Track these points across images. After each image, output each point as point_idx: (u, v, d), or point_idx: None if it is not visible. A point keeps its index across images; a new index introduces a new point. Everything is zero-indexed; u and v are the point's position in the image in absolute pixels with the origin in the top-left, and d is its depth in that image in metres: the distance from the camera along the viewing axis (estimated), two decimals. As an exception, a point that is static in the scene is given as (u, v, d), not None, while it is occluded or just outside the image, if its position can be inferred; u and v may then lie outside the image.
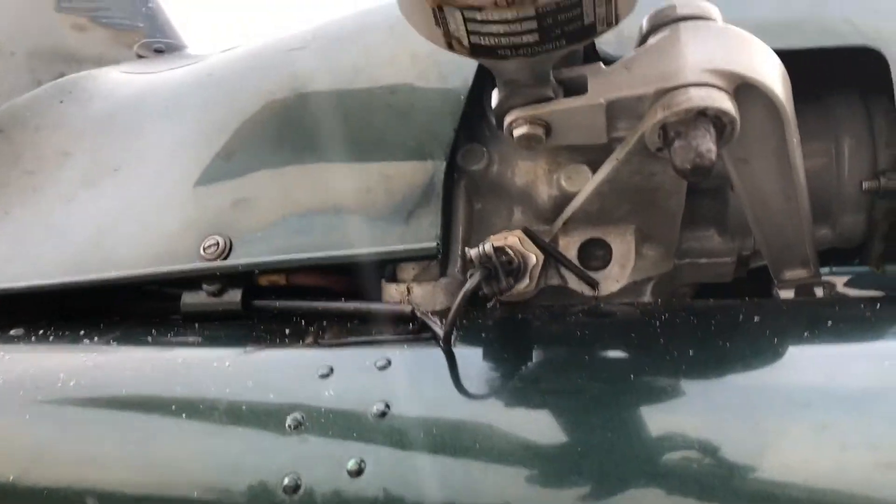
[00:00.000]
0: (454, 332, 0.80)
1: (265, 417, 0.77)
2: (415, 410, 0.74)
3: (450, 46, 0.73)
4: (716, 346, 0.74)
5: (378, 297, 0.95)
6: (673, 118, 0.74)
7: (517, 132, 0.80)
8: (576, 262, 0.93)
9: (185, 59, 1.29)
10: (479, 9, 0.67)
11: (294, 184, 0.97)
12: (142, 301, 1.06)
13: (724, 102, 0.73)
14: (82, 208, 1.08)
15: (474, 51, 0.72)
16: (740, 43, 0.77)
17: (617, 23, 0.71)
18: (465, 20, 0.69)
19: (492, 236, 0.91)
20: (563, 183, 0.94)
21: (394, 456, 0.71)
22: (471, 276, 0.81)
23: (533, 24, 0.68)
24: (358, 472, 0.71)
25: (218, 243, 0.95)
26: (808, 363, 0.71)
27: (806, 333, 0.74)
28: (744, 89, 0.76)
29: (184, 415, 0.79)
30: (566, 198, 0.94)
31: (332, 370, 0.80)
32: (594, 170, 0.93)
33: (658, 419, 0.68)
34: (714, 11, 0.80)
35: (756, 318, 0.77)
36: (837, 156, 0.98)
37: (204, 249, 0.95)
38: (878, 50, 0.86)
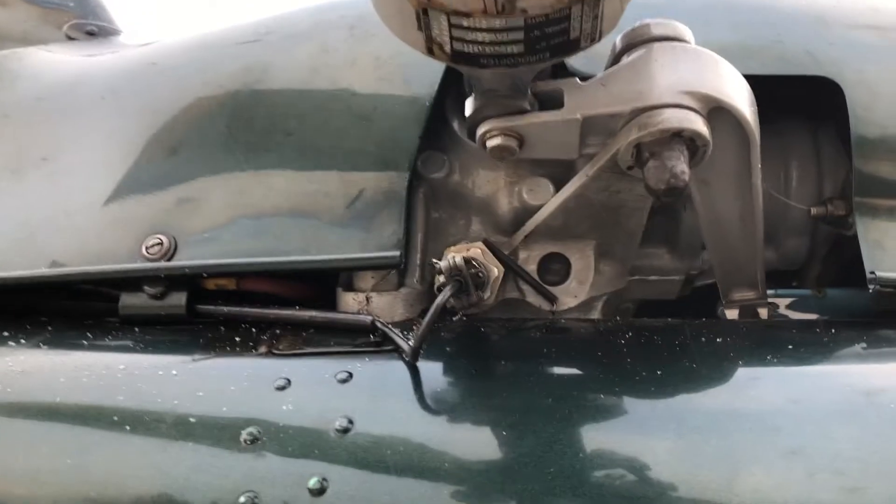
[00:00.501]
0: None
1: (218, 431, 0.73)
2: (380, 427, 0.71)
3: (429, 51, 0.70)
4: (682, 367, 0.74)
5: (332, 306, 0.92)
6: (648, 138, 0.75)
7: (490, 143, 0.78)
8: (535, 275, 0.93)
9: (122, 46, 1.21)
10: (468, 15, 0.65)
11: (245, 184, 0.92)
12: (71, 301, 0.98)
13: (699, 125, 0.74)
14: (5, 199, 1.00)
15: (455, 57, 0.70)
16: (714, 66, 0.78)
17: (600, 39, 0.71)
18: (451, 26, 0.67)
19: (452, 247, 0.89)
20: (525, 196, 0.93)
21: (358, 474, 0.69)
22: (439, 289, 0.79)
23: (519, 35, 0.67)
24: (320, 491, 0.68)
25: (162, 242, 0.89)
26: (773, 387, 0.72)
27: (768, 356, 0.75)
28: (715, 112, 0.77)
29: (127, 427, 0.74)
30: (527, 210, 0.93)
31: (289, 382, 0.76)
32: (555, 184, 0.93)
33: (629, 441, 0.68)
34: (687, 33, 0.81)
35: (719, 340, 0.78)
36: (786, 180, 1.01)
37: (146, 249, 0.90)
38: (835, 80, 0.89)
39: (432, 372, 0.76)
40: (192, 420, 0.74)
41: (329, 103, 0.93)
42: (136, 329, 0.87)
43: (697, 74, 0.77)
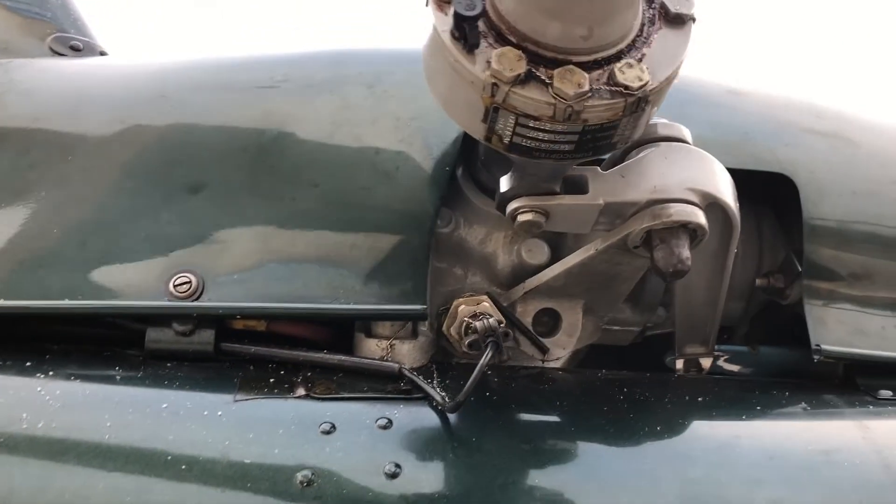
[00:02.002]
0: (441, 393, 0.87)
1: (273, 473, 0.78)
2: (426, 472, 0.79)
3: (487, 140, 0.80)
4: (677, 423, 0.87)
5: (346, 349, 0.99)
6: (660, 226, 0.87)
7: (522, 218, 0.88)
8: (530, 327, 1.03)
9: (114, 64, 1.21)
10: (536, 119, 0.75)
11: (272, 229, 0.97)
12: (76, 329, 0.99)
13: (702, 219, 0.87)
14: (10, 223, 0.99)
15: (511, 148, 0.79)
16: (711, 166, 0.92)
17: (629, 143, 0.83)
18: (517, 125, 0.76)
19: (462, 299, 0.98)
20: (524, 254, 1.04)
21: (411, 517, 0.77)
22: (470, 345, 0.89)
23: (574, 138, 0.77)
24: (376, 532, 0.75)
25: (190, 282, 0.93)
26: (752, 444, 0.86)
27: (743, 415, 0.90)
28: (709, 206, 0.91)
29: (182, 467, 0.78)
30: (524, 268, 1.04)
31: (333, 427, 0.83)
32: (550, 245, 1.04)
33: (644, 489, 0.80)
34: (687, 134, 0.94)
35: (700, 398, 0.92)
36: None
37: (174, 286, 0.93)
38: (791, 178, 1.05)
39: (464, 420, 0.85)
40: (246, 461, 0.79)
41: (354, 158, 1.00)
42: (168, 364, 0.90)
43: (699, 173, 0.90)
